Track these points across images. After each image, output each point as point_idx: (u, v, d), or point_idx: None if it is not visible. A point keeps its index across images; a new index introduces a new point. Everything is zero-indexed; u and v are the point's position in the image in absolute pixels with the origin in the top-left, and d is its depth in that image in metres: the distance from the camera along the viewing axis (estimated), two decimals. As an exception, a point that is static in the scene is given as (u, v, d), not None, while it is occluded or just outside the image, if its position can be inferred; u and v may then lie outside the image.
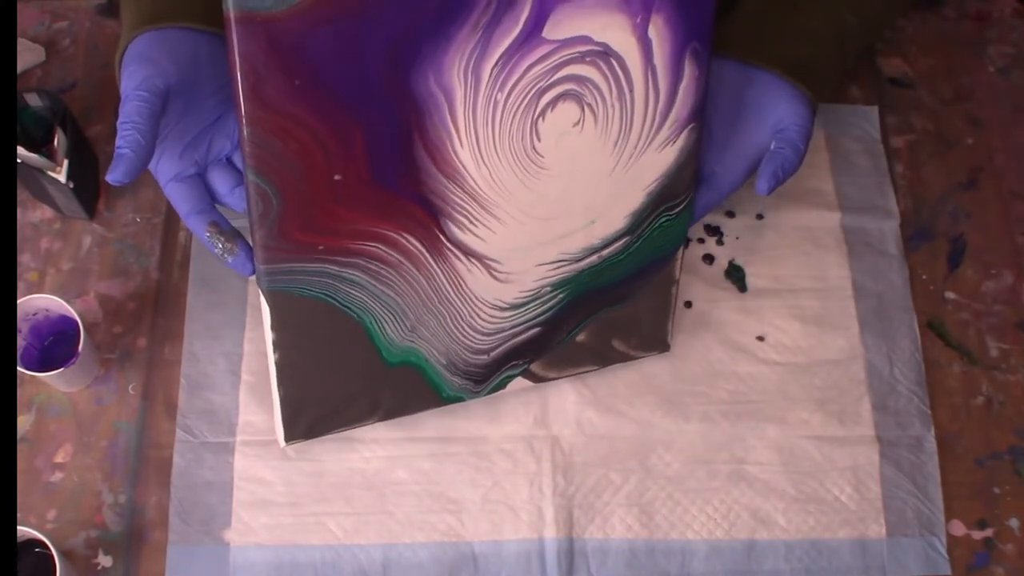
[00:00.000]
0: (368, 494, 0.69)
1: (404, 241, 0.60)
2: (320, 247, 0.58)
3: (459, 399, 0.69)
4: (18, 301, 0.66)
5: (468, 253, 0.62)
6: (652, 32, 0.59)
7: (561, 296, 0.67)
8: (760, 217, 0.78)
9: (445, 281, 0.62)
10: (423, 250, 0.61)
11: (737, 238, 0.77)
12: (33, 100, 0.70)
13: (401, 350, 0.64)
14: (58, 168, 0.70)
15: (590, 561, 0.68)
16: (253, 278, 0.71)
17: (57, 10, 0.83)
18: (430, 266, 0.62)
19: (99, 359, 0.72)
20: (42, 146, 0.69)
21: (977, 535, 0.70)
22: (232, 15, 0.50)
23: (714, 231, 0.77)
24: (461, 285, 0.63)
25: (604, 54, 0.58)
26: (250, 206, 0.56)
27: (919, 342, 0.75)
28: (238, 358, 0.72)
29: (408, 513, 0.69)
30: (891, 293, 0.76)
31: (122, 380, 0.72)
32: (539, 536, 0.68)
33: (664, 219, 0.66)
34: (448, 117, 0.57)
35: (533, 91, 0.58)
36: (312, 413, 0.66)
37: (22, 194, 0.76)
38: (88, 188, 0.75)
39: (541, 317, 0.67)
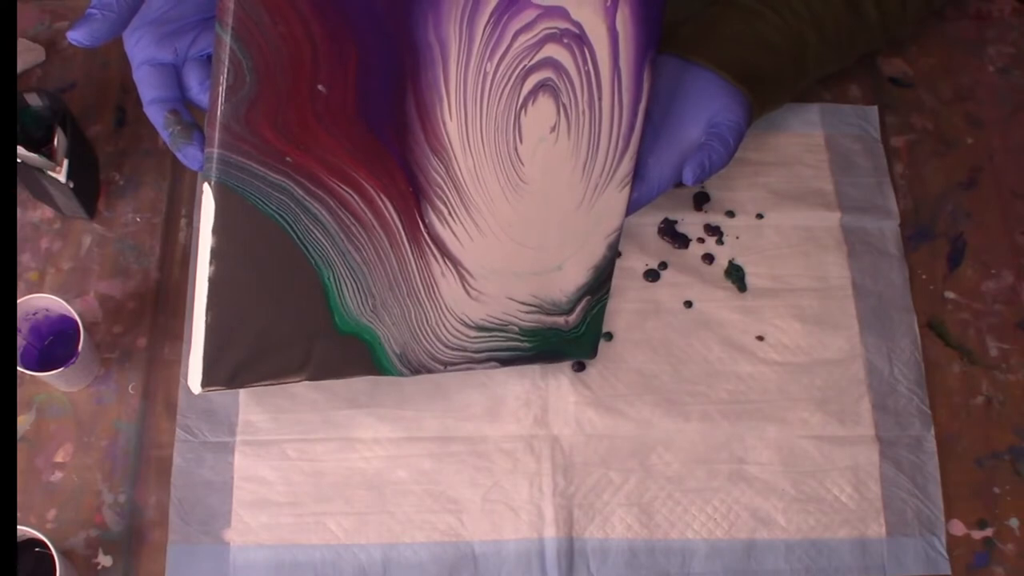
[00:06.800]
0: (368, 494, 0.69)
1: (381, 204, 0.58)
2: (288, 158, 0.54)
3: (400, 376, 0.64)
4: (18, 301, 0.66)
5: (445, 254, 0.62)
6: (620, 23, 0.60)
7: (528, 346, 0.67)
8: (760, 217, 0.78)
9: (417, 275, 0.61)
10: (400, 227, 0.59)
11: (737, 238, 0.77)
12: (33, 100, 0.70)
13: (357, 324, 0.61)
14: (58, 168, 0.70)
15: (590, 561, 0.68)
16: None
17: (57, 10, 0.83)
18: (404, 249, 0.60)
19: (99, 359, 0.72)
20: (42, 146, 0.69)
21: (977, 535, 0.70)
22: None
23: (714, 231, 0.77)
24: (433, 288, 0.62)
25: (579, 38, 0.59)
26: (218, 77, 0.52)
27: (919, 342, 0.75)
28: (238, 358, 0.72)
29: (408, 513, 0.69)
30: (891, 293, 0.76)
31: (122, 380, 0.72)
32: (539, 536, 0.68)
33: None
34: (441, 77, 0.57)
35: (518, 69, 0.59)
36: (238, 353, 0.58)
37: (22, 194, 0.76)
38: (88, 188, 0.75)
39: (503, 354, 0.67)
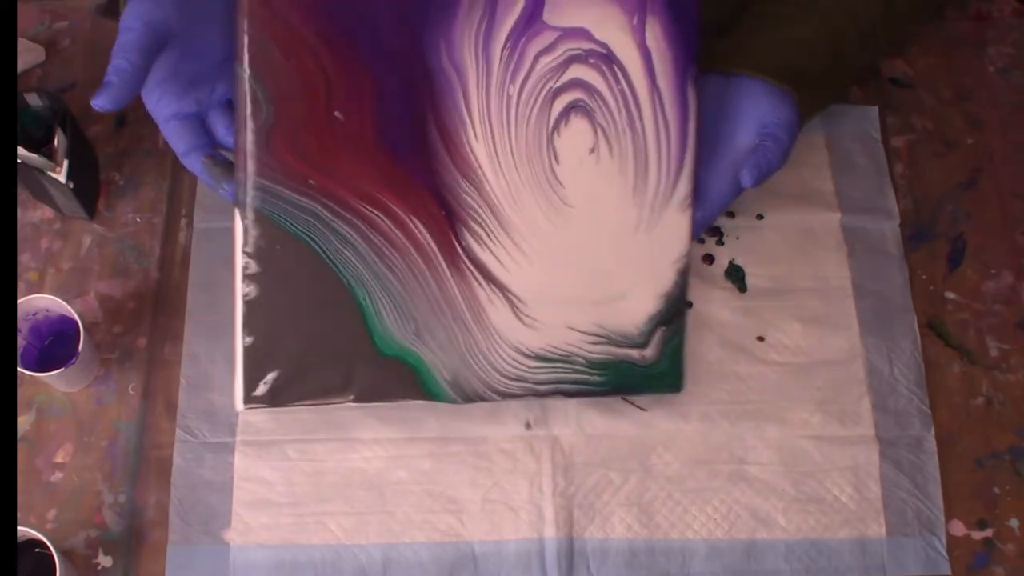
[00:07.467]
0: (368, 494, 0.69)
1: (412, 226, 0.59)
2: (311, 180, 0.57)
3: (453, 403, 0.65)
4: (18, 301, 0.66)
5: (489, 278, 0.62)
6: (651, 42, 0.60)
7: (599, 379, 0.65)
8: (760, 217, 0.78)
9: (461, 300, 0.62)
10: (435, 249, 0.60)
11: (737, 238, 0.77)
12: (33, 100, 0.70)
13: (400, 347, 0.62)
14: (58, 168, 0.70)
15: (590, 561, 0.68)
16: None
17: (57, 10, 0.83)
18: (443, 272, 0.61)
19: (99, 359, 0.72)
20: (42, 146, 0.69)
21: (977, 535, 0.70)
22: None
23: (714, 231, 0.77)
24: (481, 314, 0.62)
25: (607, 58, 0.59)
26: (240, 109, 0.56)
27: (919, 342, 0.75)
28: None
29: (408, 513, 0.69)
30: (891, 293, 0.76)
31: (122, 380, 0.72)
32: (539, 536, 0.68)
33: None
34: (462, 102, 0.58)
35: (544, 91, 0.59)
36: (277, 372, 0.61)
37: (22, 194, 0.76)
38: (88, 188, 0.75)
39: (570, 387, 0.65)
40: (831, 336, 0.74)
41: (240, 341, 0.60)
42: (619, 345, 0.65)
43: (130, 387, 0.72)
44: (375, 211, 0.59)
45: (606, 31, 0.59)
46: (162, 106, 0.60)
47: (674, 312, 0.66)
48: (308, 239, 0.58)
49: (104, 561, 0.67)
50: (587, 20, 0.59)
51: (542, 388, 0.65)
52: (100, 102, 0.55)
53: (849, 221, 0.78)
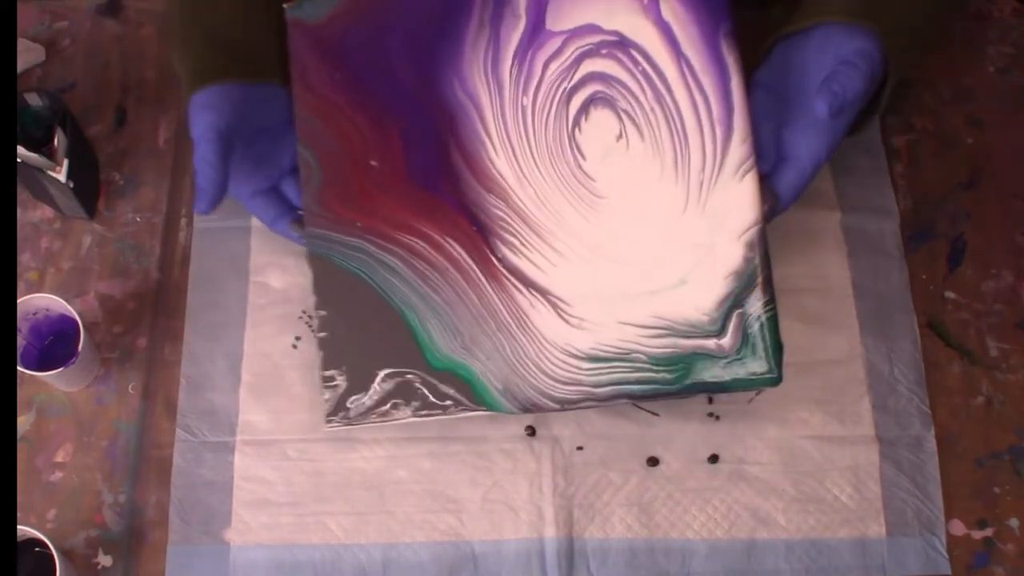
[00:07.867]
0: (368, 494, 0.69)
1: (449, 247, 0.63)
2: (358, 223, 0.63)
3: (510, 413, 0.64)
4: (18, 301, 0.66)
5: (528, 284, 0.62)
6: (668, 14, 0.59)
7: (670, 377, 0.61)
8: (760, 217, 0.78)
9: (503, 309, 0.63)
10: (471, 264, 0.63)
11: (737, 238, 0.77)
12: (33, 100, 0.70)
13: (451, 361, 0.63)
14: (58, 168, 0.70)
15: (590, 561, 0.68)
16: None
17: (57, 10, 0.83)
18: (481, 284, 0.63)
19: (99, 359, 0.72)
20: (42, 146, 0.69)
21: (977, 535, 0.70)
22: (288, 19, 0.64)
23: (714, 231, 0.77)
24: (524, 320, 0.63)
25: (621, 44, 0.60)
26: (301, 174, 0.65)
27: (919, 342, 0.75)
28: (238, 358, 0.72)
29: (408, 513, 0.69)
30: (891, 293, 0.76)
31: (122, 380, 0.72)
32: (539, 536, 0.68)
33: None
34: (480, 125, 0.62)
35: (558, 93, 0.60)
36: (350, 394, 0.64)
37: (22, 194, 0.76)
38: (88, 188, 0.75)
39: (635, 387, 0.62)
40: (831, 336, 0.74)
41: (319, 367, 0.64)
42: (687, 336, 0.61)
43: (130, 387, 0.72)
44: (414, 239, 0.63)
45: (615, 19, 0.59)
46: (241, 189, 0.68)
47: (750, 292, 0.61)
48: (361, 273, 0.63)
49: (104, 561, 0.67)
50: (594, 16, 0.60)
51: (600, 391, 0.62)
52: (202, 207, 0.62)
53: (849, 221, 0.78)
